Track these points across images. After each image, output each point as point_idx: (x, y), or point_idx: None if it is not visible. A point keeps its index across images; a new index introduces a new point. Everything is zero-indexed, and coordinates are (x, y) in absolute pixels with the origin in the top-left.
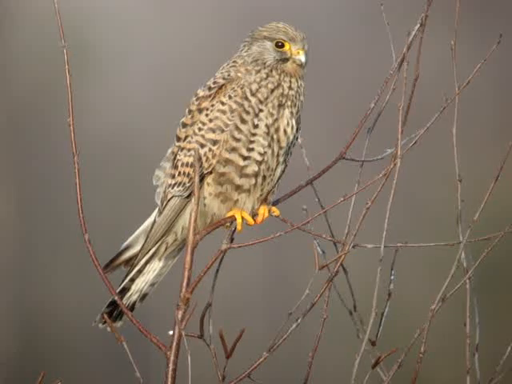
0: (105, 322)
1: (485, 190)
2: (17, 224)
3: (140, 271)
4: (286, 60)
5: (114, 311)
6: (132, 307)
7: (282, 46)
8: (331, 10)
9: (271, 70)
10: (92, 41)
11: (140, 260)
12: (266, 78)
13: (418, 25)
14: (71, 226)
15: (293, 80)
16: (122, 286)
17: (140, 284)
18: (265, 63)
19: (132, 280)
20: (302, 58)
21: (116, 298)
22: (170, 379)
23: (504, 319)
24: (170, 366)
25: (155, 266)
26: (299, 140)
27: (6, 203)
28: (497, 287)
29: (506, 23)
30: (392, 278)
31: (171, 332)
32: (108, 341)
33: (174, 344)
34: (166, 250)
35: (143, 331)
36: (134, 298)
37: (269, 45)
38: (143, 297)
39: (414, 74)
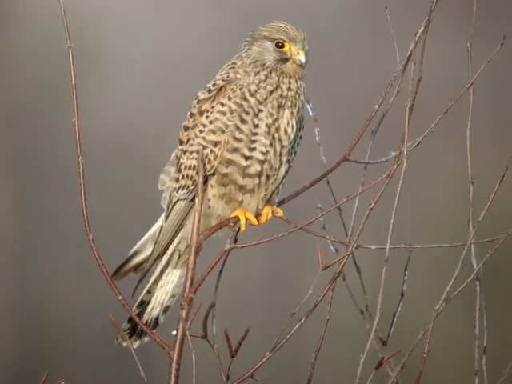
0: (123, 338)
1: (485, 190)
2: (17, 224)
3: (156, 282)
4: (285, 60)
5: (136, 327)
6: (156, 322)
7: (282, 46)
8: (335, 10)
9: (270, 72)
10: (92, 41)
11: (151, 266)
12: (264, 80)
13: (422, 27)
14: (71, 227)
15: (292, 81)
16: (140, 299)
17: (160, 296)
18: (264, 64)
19: (149, 292)
20: (301, 58)
21: (127, 309)
22: (173, 379)
23: (507, 320)
24: (174, 365)
25: (173, 277)
26: (317, 138)
27: (6, 203)
28: (501, 289)
29: (506, 23)
30: (405, 278)
31: (175, 332)
32: (109, 341)
33: (178, 344)
34: (179, 258)
35: (147, 331)
36: (156, 311)
37: (269, 45)
38: (165, 310)
39: (418, 75)
